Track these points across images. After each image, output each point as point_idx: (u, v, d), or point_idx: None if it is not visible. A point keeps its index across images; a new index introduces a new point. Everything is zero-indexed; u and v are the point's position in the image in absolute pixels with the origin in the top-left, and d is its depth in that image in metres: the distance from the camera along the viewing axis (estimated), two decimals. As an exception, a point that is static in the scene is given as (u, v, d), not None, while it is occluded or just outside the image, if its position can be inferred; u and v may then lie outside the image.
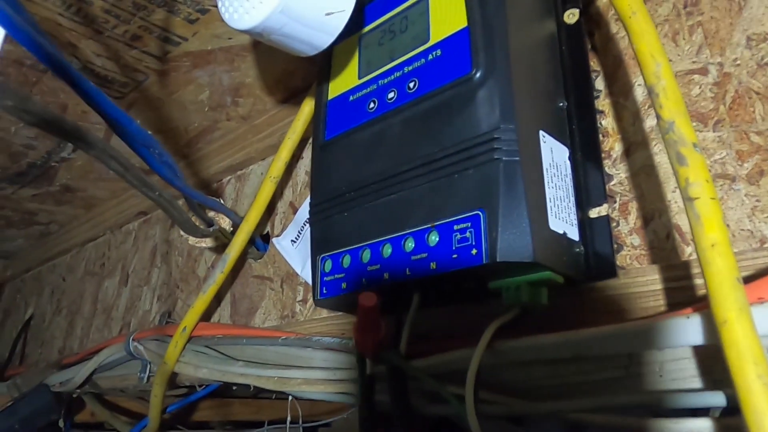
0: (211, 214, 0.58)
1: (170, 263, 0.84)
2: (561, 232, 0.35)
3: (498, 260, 0.32)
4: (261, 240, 0.66)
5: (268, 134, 0.70)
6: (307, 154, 0.66)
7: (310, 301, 0.59)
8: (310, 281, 0.55)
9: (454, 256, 0.34)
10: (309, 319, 0.59)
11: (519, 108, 0.35)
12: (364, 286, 0.39)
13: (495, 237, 0.33)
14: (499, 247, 0.33)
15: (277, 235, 0.62)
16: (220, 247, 0.66)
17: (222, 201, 0.60)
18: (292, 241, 0.59)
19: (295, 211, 0.65)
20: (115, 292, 0.95)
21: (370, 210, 0.40)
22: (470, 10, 0.38)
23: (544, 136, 0.37)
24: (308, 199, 0.56)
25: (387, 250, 0.38)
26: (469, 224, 0.34)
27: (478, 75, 0.36)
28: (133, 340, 0.71)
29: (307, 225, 0.59)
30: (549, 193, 0.35)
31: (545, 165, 0.36)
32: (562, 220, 0.36)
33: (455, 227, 0.35)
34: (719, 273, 0.25)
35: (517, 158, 0.34)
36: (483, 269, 0.34)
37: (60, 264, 1.18)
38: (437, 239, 0.36)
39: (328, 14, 0.34)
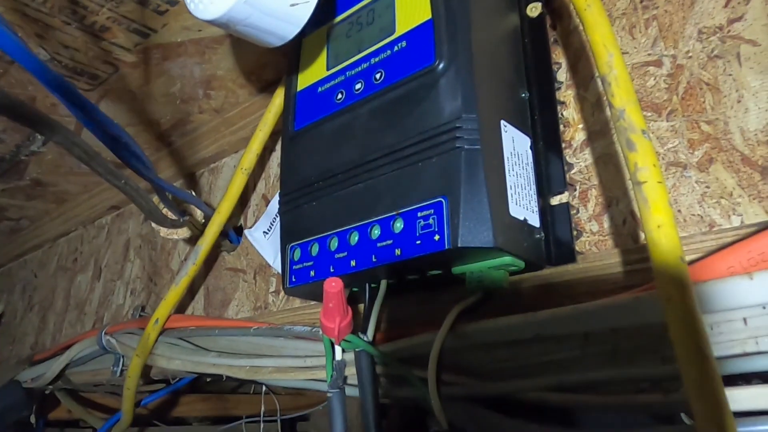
0: (184, 205, 0.58)
1: (143, 257, 0.84)
2: (521, 218, 0.37)
3: (459, 246, 0.33)
4: (234, 232, 0.66)
5: (240, 127, 0.71)
6: (280, 146, 0.66)
7: (283, 292, 0.60)
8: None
9: (418, 242, 0.35)
10: (282, 309, 0.60)
11: (481, 98, 0.36)
12: (331, 274, 0.40)
13: (457, 223, 0.34)
14: (461, 233, 0.34)
15: (250, 227, 0.63)
16: (193, 239, 0.66)
17: (193, 193, 0.61)
18: (264, 232, 0.59)
19: (267, 203, 0.66)
20: (88, 286, 0.94)
21: (338, 199, 0.41)
22: (434, 3, 0.39)
23: (505, 126, 0.38)
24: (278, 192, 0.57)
25: (354, 238, 0.39)
26: (432, 211, 0.35)
27: (440, 66, 0.37)
28: (105, 333, 0.71)
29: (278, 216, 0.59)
30: (510, 180, 0.37)
31: (506, 154, 0.37)
32: (523, 207, 0.37)
33: (419, 214, 0.36)
34: (664, 252, 0.26)
35: (478, 147, 0.35)
36: (445, 255, 0.35)
37: (31, 260, 1.16)
38: (402, 226, 0.36)
39: (293, 5, 0.34)
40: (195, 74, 0.65)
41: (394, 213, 0.37)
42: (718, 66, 0.36)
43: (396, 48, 0.41)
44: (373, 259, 0.37)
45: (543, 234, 0.38)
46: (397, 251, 0.36)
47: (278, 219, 0.59)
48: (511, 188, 0.36)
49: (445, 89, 0.36)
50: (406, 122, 0.38)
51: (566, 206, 0.39)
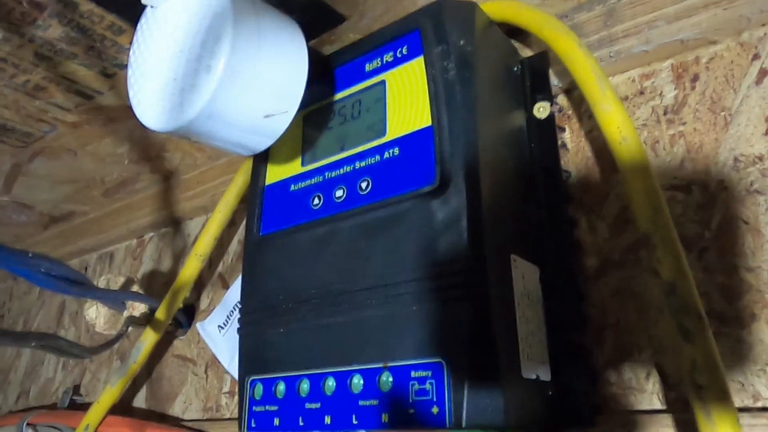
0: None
1: (79, 326, 0.74)
2: (534, 377, 0.31)
3: (464, 426, 0.27)
4: (184, 314, 0.58)
5: (198, 193, 0.63)
6: (241, 218, 0.59)
7: (238, 398, 0.52)
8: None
9: (411, 411, 0.29)
10: (236, 415, 0.52)
11: (489, 233, 0.30)
12: (301, 429, 0.33)
13: (461, 397, 0.27)
14: (466, 409, 0.27)
15: (202, 318, 0.55)
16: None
17: (137, 287, 0.52)
18: (219, 326, 0.52)
19: (225, 285, 0.58)
20: (13, 351, 0.83)
21: (312, 331, 0.34)
22: (435, 107, 0.33)
23: (515, 261, 0.32)
24: (240, 277, 0.49)
25: (329, 386, 0.32)
26: (430, 373, 0.29)
27: (443, 190, 0.31)
28: (27, 424, 0.61)
29: (238, 309, 0.52)
30: (521, 331, 0.31)
31: (517, 297, 0.31)
32: (535, 360, 0.31)
33: (413, 373, 0.29)
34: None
35: (487, 297, 0.29)
36: (444, 430, 0.28)
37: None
38: (391, 384, 0.30)
39: (267, 116, 0.27)
40: (147, 136, 0.58)
41: (381, 365, 0.31)
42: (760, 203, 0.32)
43: (386, 155, 0.34)
44: (354, 421, 0.31)
45: (554, 388, 0.32)
46: (385, 417, 0.30)
47: (236, 312, 0.52)
48: (522, 341, 0.30)
49: (448, 220, 0.30)
50: (398, 252, 0.32)
51: (580, 349, 0.34)
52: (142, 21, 0.28)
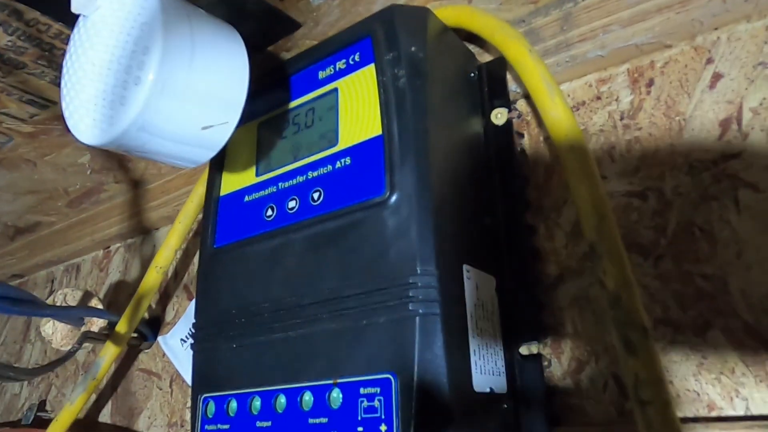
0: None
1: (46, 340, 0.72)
2: (487, 390, 0.30)
3: (412, 444, 0.26)
4: (149, 327, 0.57)
5: (163, 202, 0.62)
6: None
7: None
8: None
9: (360, 429, 0.28)
10: (201, 430, 0.51)
11: (441, 243, 0.29)
12: (251, 448, 0.32)
13: (409, 413, 0.27)
14: (414, 427, 0.26)
15: (167, 332, 0.54)
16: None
17: (97, 301, 0.51)
18: (182, 340, 0.50)
19: (190, 297, 0.57)
20: (-20, 367, 0.81)
21: (264, 346, 0.33)
22: (385, 115, 0.32)
23: (468, 271, 0.31)
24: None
25: (281, 404, 0.31)
26: (378, 389, 0.28)
27: (392, 200, 0.30)
28: (-11, 443, 0.60)
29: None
30: (473, 344, 0.30)
31: (470, 309, 0.30)
32: (488, 372, 0.31)
33: (362, 390, 0.28)
34: None
35: (437, 311, 0.28)
36: (394, 449, 0.27)
37: None
38: (340, 401, 0.29)
39: (205, 128, 0.27)
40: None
41: (330, 381, 0.30)
42: (713, 209, 0.31)
43: (338, 164, 0.34)
44: (303, 440, 0.30)
45: (511, 401, 0.32)
46: (334, 436, 0.29)
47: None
48: (474, 353, 0.30)
49: (396, 231, 0.30)
50: (348, 264, 0.31)
51: (538, 359, 0.33)
52: (75, 31, 0.27)
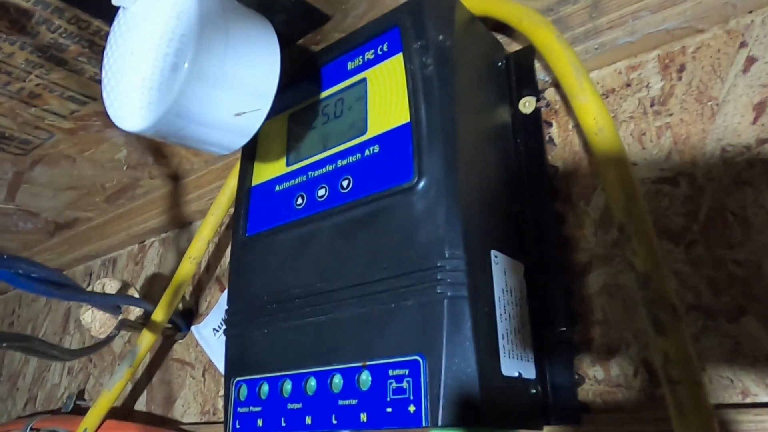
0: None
1: (84, 332, 0.75)
2: (515, 375, 0.30)
3: (440, 425, 0.27)
4: (183, 318, 0.58)
5: (196, 197, 0.63)
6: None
7: None
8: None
9: (389, 410, 0.28)
10: (232, 418, 0.52)
11: (468, 228, 0.30)
12: (283, 429, 0.32)
13: (437, 394, 0.27)
14: (442, 408, 0.27)
15: (199, 323, 0.55)
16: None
17: (135, 291, 0.52)
18: (214, 329, 0.52)
19: (222, 288, 0.58)
20: (22, 358, 0.84)
21: (295, 331, 0.34)
22: (413, 103, 0.33)
23: (496, 257, 0.31)
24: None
25: (311, 386, 0.32)
26: (407, 371, 0.28)
27: (420, 186, 0.31)
28: (31, 429, 0.62)
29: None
30: (502, 328, 0.30)
31: (498, 294, 0.30)
32: (517, 357, 0.31)
33: (390, 372, 0.29)
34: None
35: (465, 293, 0.28)
36: (422, 429, 0.28)
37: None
38: (369, 383, 0.29)
39: (238, 114, 0.27)
40: (143, 141, 0.58)
41: (360, 364, 0.30)
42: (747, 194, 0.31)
43: (367, 152, 0.34)
44: (333, 421, 0.30)
45: (539, 387, 0.32)
46: (363, 417, 0.29)
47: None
48: (503, 338, 0.30)
49: (424, 216, 0.30)
50: (377, 250, 0.31)
51: (567, 347, 0.33)
52: (115, 23, 0.29)
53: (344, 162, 0.35)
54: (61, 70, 0.46)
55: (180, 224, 0.67)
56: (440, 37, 0.34)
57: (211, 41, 0.25)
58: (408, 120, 0.33)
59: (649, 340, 0.23)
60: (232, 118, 0.27)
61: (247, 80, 0.27)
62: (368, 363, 0.30)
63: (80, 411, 0.67)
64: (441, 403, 0.27)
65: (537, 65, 0.39)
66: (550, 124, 0.39)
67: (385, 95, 0.35)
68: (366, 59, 0.37)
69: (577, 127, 0.38)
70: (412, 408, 0.27)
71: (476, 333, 0.28)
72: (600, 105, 0.28)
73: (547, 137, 0.39)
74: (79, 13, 0.39)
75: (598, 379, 0.33)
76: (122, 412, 0.62)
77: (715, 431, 0.21)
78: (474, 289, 0.29)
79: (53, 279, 0.33)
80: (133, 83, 0.26)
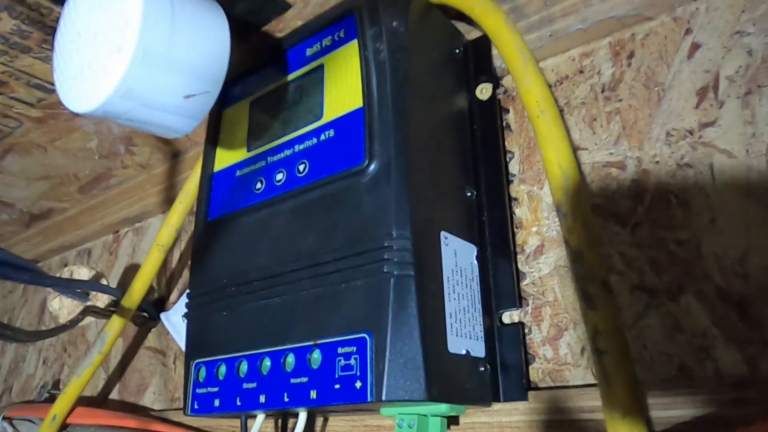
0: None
1: (58, 322, 0.75)
2: (463, 352, 0.31)
3: (384, 399, 0.27)
4: (154, 307, 0.59)
5: (168, 186, 0.64)
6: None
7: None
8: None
9: (337, 386, 0.29)
10: (202, 404, 0.52)
11: (416, 210, 0.30)
12: (238, 408, 0.33)
13: (382, 370, 0.28)
14: (386, 383, 0.27)
15: (168, 309, 0.55)
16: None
17: (102, 277, 0.52)
18: (183, 317, 0.52)
19: (192, 276, 0.58)
20: (-2, 349, 0.84)
21: (252, 312, 0.35)
22: (366, 88, 0.33)
23: (446, 238, 0.32)
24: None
25: (266, 366, 0.33)
26: (354, 349, 0.29)
27: (370, 169, 0.31)
28: (4, 418, 0.62)
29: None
30: (450, 307, 0.31)
31: (446, 274, 0.31)
32: (465, 336, 0.31)
33: (339, 350, 0.29)
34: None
35: (411, 272, 0.29)
36: (369, 404, 0.29)
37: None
38: (320, 361, 0.30)
39: (187, 97, 0.28)
40: (113, 130, 0.58)
41: (311, 343, 0.31)
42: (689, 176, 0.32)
43: (323, 137, 0.35)
44: (285, 399, 0.31)
45: (488, 366, 0.33)
46: (313, 393, 0.30)
47: (200, 301, 0.52)
48: (450, 317, 0.31)
49: (374, 198, 0.31)
50: (329, 231, 0.32)
51: (518, 327, 0.34)
52: (65, 5, 0.29)
53: (301, 147, 0.36)
54: (26, 57, 0.46)
55: (153, 214, 0.67)
56: (394, 24, 0.34)
57: (156, 24, 0.25)
58: (361, 105, 0.33)
59: (581, 314, 0.24)
60: (181, 101, 0.28)
61: (195, 63, 0.28)
62: (319, 341, 0.31)
63: (54, 400, 0.67)
64: (385, 379, 0.27)
65: (495, 53, 0.40)
66: (507, 111, 0.40)
67: (341, 81, 0.35)
68: (323, 46, 0.37)
69: (533, 113, 0.39)
70: (358, 384, 0.28)
71: (422, 311, 0.29)
72: (543, 88, 0.29)
73: (504, 123, 0.40)
74: (40, 0, 0.39)
75: (547, 358, 0.34)
76: (96, 401, 0.62)
77: (641, 402, 0.22)
78: (421, 268, 0.29)
79: (15, 262, 0.33)
80: (80, 65, 0.26)
